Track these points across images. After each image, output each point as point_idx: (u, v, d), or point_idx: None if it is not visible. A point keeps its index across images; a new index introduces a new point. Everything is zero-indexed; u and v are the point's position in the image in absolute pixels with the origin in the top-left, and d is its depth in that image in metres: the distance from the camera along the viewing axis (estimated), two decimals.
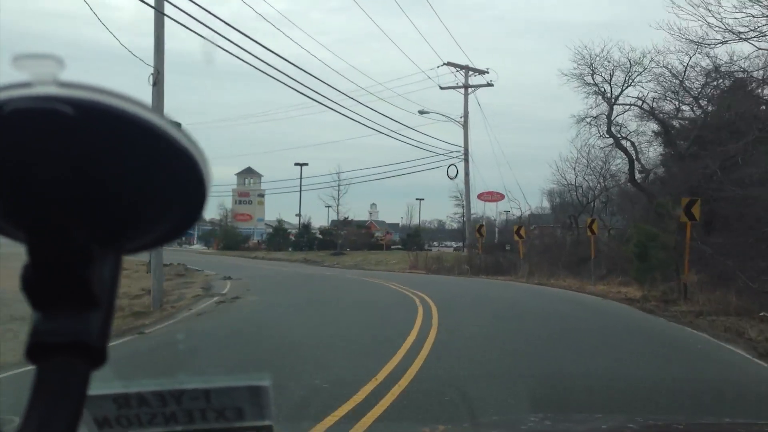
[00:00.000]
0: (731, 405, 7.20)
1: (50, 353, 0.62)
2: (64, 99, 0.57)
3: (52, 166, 0.58)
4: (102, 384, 0.75)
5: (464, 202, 42.22)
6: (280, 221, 71.57)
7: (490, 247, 39.47)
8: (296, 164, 67.73)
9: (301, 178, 66.38)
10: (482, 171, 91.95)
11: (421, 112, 40.36)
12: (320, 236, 67.08)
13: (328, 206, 64.87)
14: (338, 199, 63.95)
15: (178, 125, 0.63)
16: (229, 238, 72.55)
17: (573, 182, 38.29)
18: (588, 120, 33.98)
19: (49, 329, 0.62)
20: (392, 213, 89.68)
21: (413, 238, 66.89)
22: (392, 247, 67.88)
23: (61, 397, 0.61)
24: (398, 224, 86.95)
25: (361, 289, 25.04)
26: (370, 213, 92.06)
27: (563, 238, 34.88)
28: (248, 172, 77.29)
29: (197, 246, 78.38)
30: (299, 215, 69.77)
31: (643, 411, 6.52)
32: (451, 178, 42.00)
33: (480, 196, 41.89)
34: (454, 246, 65.31)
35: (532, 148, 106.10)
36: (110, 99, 0.58)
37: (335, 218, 65.91)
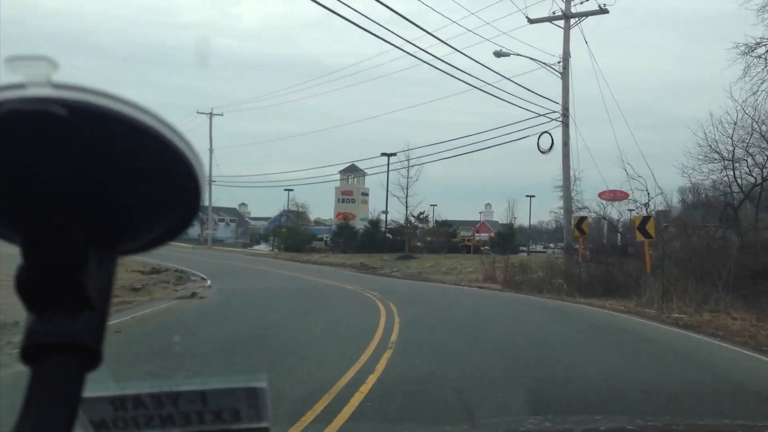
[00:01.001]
0: None
1: (45, 355, 0.62)
2: (57, 100, 0.57)
3: (46, 168, 0.58)
4: (98, 386, 0.74)
5: (563, 185, 29.07)
6: (346, 218, 60.53)
7: (601, 250, 26.26)
8: (383, 154, 56.38)
9: (389, 170, 54.49)
10: (595, 156, 74.81)
11: (498, 54, 27.72)
12: (390, 236, 55.20)
13: (395, 196, 52.70)
14: (407, 189, 51.78)
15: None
16: (292, 238, 62.62)
17: (729, 156, 24.49)
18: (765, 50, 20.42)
19: (44, 331, 0.62)
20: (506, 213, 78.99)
21: (505, 238, 53.76)
22: (483, 249, 55.20)
23: (57, 399, 0.61)
24: (512, 226, 75.99)
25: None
26: (481, 213, 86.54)
27: (726, 239, 20.76)
28: (352, 170, 71.91)
29: (262, 246, 69.27)
30: (386, 212, 58.72)
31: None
32: (542, 152, 29.13)
33: (601, 195, 28.97)
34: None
35: (653, 145, 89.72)
36: (103, 100, 0.58)
37: (408, 212, 53.57)
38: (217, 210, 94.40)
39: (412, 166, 50.26)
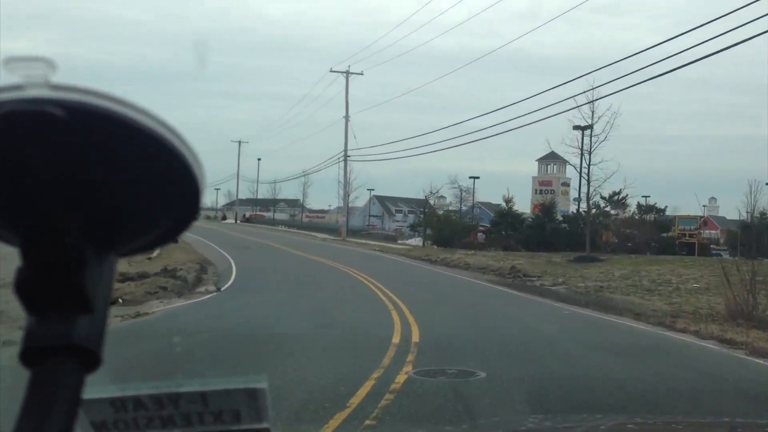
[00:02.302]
0: None
1: (44, 357, 0.62)
2: (55, 101, 0.57)
3: (44, 169, 0.59)
4: (99, 387, 0.75)
5: None
6: (508, 201, 44.85)
7: None
8: (575, 127, 39.37)
9: (581, 146, 37.62)
10: None
11: None
12: (566, 226, 38.50)
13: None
14: (590, 151, 34.78)
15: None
16: (445, 228, 48.45)
17: None
18: None
19: (43, 333, 0.62)
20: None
21: (757, 232, 34.94)
22: (713, 250, 37.28)
23: (56, 401, 0.61)
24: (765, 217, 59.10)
25: None
26: (705, 207, 74.56)
27: None
28: (551, 158, 62.06)
29: (414, 240, 55.80)
30: (578, 199, 42.64)
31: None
32: None
33: None
34: None
35: None
36: (101, 101, 0.58)
37: (591, 189, 35.89)
38: (408, 201, 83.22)
39: (594, 99, 32.95)
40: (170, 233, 0.67)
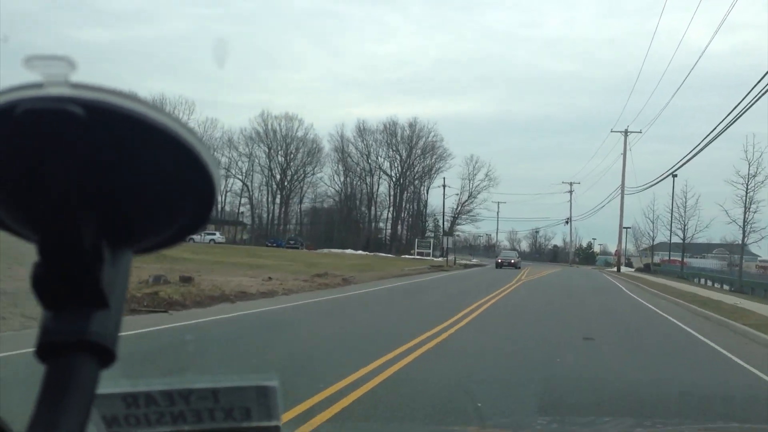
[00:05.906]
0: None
1: (60, 352, 0.62)
2: (75, 100, 0.57)
3: (62, 167, 0.59)
4: (110, 383, 0.75)
5: None
6: None
7: None
8: None
9: None
10: None
11: None
12: None
13: None
14: None
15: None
16: None
17: None
18: None
19: (59, 328, 0.62)
20: None
21: None
22: None
23: (71, 396, 0.61)
24: None
25: None
26: None
27: None
28: None
29: None
30: None
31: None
32: None
33: None
34: None
35: None
36: (120, 100, 0.59)
37: None
38: None
39: None
40: (186, 230, 0.66)
